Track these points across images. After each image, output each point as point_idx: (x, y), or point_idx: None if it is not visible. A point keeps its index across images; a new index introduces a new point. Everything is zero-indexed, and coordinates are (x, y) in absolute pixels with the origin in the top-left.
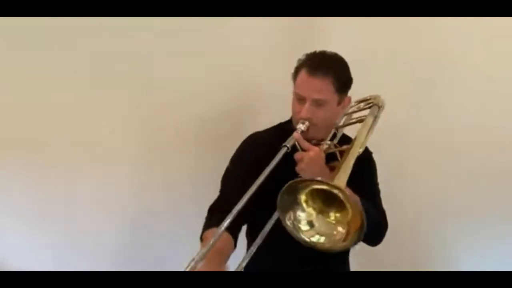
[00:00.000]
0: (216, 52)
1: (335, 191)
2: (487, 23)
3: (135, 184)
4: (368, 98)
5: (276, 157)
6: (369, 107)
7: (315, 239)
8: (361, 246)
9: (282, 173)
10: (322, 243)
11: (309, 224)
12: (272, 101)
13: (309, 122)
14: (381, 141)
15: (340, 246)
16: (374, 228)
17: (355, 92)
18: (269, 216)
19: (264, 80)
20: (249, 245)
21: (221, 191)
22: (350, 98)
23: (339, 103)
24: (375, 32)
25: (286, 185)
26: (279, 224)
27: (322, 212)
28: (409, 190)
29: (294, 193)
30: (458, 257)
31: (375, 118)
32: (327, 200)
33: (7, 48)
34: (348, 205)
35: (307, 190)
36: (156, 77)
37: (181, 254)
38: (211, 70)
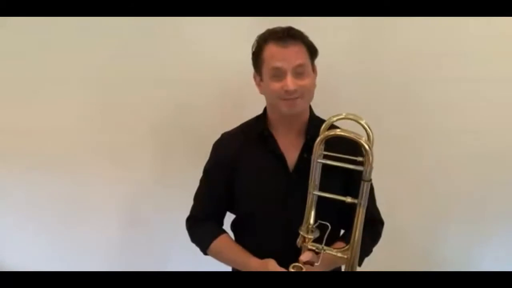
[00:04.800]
0: (208, 51)
1: None
2: (486, 22)
3: (136, 184)
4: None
5: None
6: None
7: None
8: None
9: (262, 161)
10: None
11: None
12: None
13: (296, 95)
14: (379, 141)
15: None
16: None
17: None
18: (255, 207)
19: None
20: (236, 237)
21: (195, 200)
22: (316, 67)
23: (313, 70)
24: (371, 32)
25: None
26: (268, 217)
27: None
28: (407, 190)
29: None
30: (457, 257)
31: None
32: None
33: (8, 48)
34: None
35: None
36: (156, 78)
37: (181, 254)
38: (207, 68)
